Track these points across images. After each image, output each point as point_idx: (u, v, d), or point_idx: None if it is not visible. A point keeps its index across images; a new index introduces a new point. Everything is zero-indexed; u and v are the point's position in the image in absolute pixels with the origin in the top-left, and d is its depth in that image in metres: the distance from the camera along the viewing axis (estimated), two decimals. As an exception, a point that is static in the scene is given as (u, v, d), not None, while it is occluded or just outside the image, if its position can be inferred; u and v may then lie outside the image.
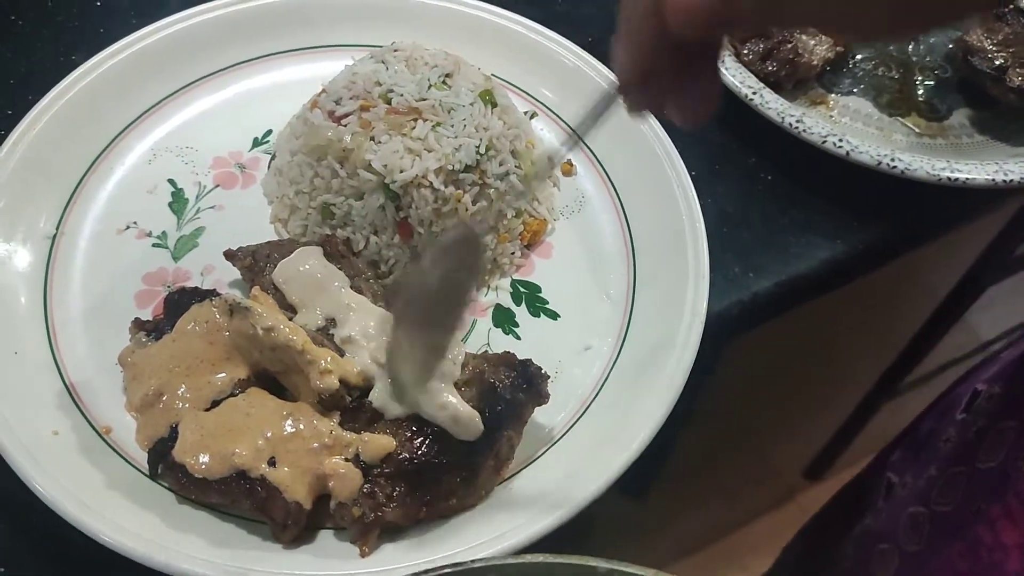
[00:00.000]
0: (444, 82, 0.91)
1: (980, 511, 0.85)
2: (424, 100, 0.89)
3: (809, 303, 1.04)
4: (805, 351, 1.80)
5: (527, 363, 0.79)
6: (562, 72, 1.04)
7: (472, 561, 0.58)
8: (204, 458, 0.75)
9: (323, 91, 0.93)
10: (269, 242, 0.88)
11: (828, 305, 1.39)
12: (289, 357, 0.77)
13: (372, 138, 0.86)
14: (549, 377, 0.80)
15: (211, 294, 0.83)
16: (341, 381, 0.77)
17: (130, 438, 0.80)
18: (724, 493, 2.17)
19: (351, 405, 0.78)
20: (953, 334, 1.98)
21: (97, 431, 0.80)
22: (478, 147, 0.88)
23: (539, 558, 0.58)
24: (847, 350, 2.02)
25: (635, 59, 0.58)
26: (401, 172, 0.85)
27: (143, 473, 0.78)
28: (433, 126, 0.87)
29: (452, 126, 0.88)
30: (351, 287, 0.83)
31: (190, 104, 1.02)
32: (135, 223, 0.93)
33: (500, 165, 0.90)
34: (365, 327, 0.81)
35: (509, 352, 0.81)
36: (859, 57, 1.16)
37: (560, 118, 1.04)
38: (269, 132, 1.01)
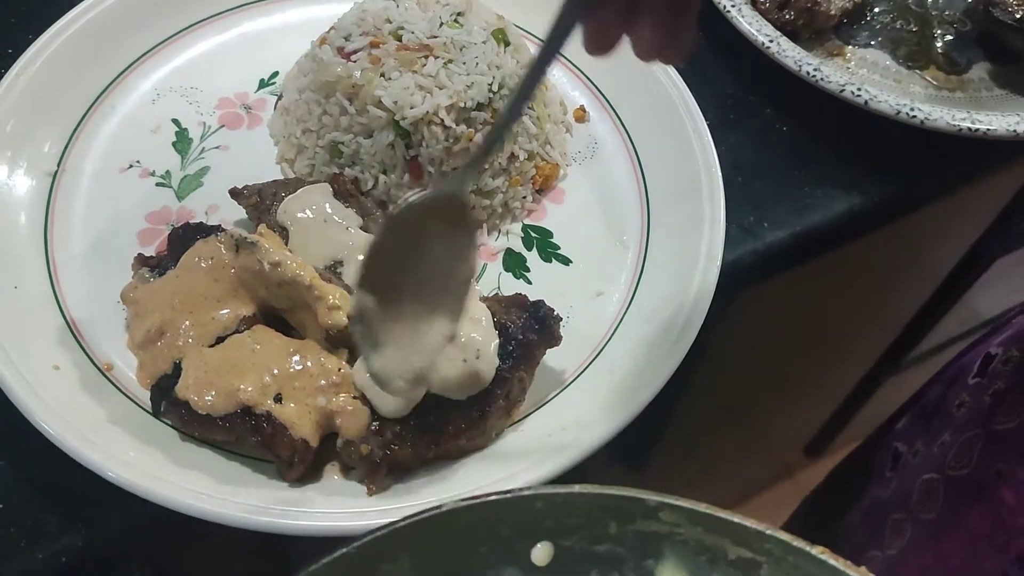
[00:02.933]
0: (456, 20, 0.88)
1: (1001, 473, 0.84)
2: (435, 37, 0.87)
3: (818, 263, 1.02)
4: (804, 328, 1.79)
5: (539, 304, 0.78)
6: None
7: (521, 489, 0.56)
8: (208, 394, 0.73)
9: (332, 28, 0.91)
10: (276, 180, 0.86)
11: (829, 281, 1.37)
12: (296, 293, 0.75)
13: (382, 74, 0.84)
14: (562, 319, 0.78)
15: (216, 230, 0.81)
16: (349, 318, 0.75)
17: (132, 376, 0.78)
18: (721, 468, 2.16)
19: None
20: (952, 312, 1.97)
21: (99, 367, 0.78)
22: (490, 85, 0.86)
23: (588, 488, 0.56)
24: (847, 327, 2.00)
25: None
26: (412, 108, 0.83)
27: (146, 410, 0.76)
28: (444, 63, 0.85)
29: (464, 63, 0.86)
30: (360, 227, 0.82)
31: (195, 44, 0.99)
32: (138, 162, 0.91)
33: (512, 105, 0.88)
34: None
35: (521, 294, 0.79)
36: (877, 9, 1.14)
37: (572, 63, 1.01)
38: (275, 74, 0.98)
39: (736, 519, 0.55)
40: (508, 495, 0.56)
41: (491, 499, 0.56)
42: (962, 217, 1.56)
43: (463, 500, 0.56)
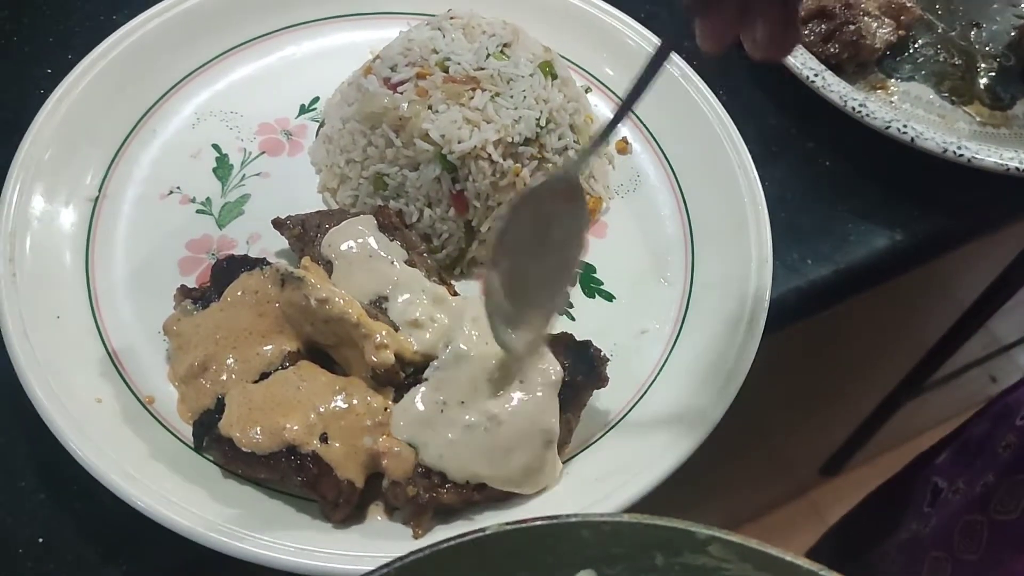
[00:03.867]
0: (502, 51, 0.87)
1: None
2: (482, 69, 0.86)
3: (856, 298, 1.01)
4: (825, 349, 1.78)
5: (587, 344, 0.77)
6: (617, 46, 1.01)
7: (567, 516, 0.55)
8: (253, 431, 0.72)
9: (377, 57, 0.90)
10: (319, 211, 0.85)
11: (853, 305, 1.36)
12: (343, 330, 0.75)
13: (430, 107, 0.83)
14: (608, 360, 0.77)
15: (261, 263, 0.80)
16: (396, 356, 0.74)
17: (173, 409, 0.77)
18: (736, 486, 2.15)
19: (405, 382, 0.75)
20: (973, 338, 1.95)
21: (140, 400, 0.77)
22: (538, 119, 0.85)
23: (637, 518, 0.55)
24: (869, 349, 1.99)
25: None
26: (459, 143, 0.82)
27: (187, 445, 0.75)
28: (492, 96, 0.84)
29: (511, 97, 0.85)
30: (405, 261, 0.81)
31: (235, 69, 0.99)
32: (178, 188, 0.90)
33: (559, 139, 0.87)
34: (419, 302, 0.78)
35: (567, 333, 0.78)
36: (920, 42, 1.13)
37: (614, 92, 1.00)
38: (316, 99, 0.97)
39: (788, 557, 0.54)
40: (553, 521, 0.55)
41: (536, 524, 0.55)
42: (990, 246, 1.55)
43: (507, 524, 0.54)
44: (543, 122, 0.85)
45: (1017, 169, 0.94)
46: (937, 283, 1.76)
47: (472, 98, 0.84)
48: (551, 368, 0.75)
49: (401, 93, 0.85)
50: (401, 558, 0.51)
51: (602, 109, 0.99)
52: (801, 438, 2.24)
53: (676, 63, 0.98)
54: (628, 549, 0.55)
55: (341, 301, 0.74)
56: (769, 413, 2.02)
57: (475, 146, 0.82)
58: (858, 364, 1.98)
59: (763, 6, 0.61)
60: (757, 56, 0.63)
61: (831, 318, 1.35)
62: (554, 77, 0.88)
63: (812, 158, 1.02)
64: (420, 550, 0.52)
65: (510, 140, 0.84)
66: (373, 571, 0.51)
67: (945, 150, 0.95)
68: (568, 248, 0.73)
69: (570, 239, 0.73)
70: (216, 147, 0.93)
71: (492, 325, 0.71)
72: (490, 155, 0.83)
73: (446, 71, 0.86)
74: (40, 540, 0.73)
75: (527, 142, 0.85)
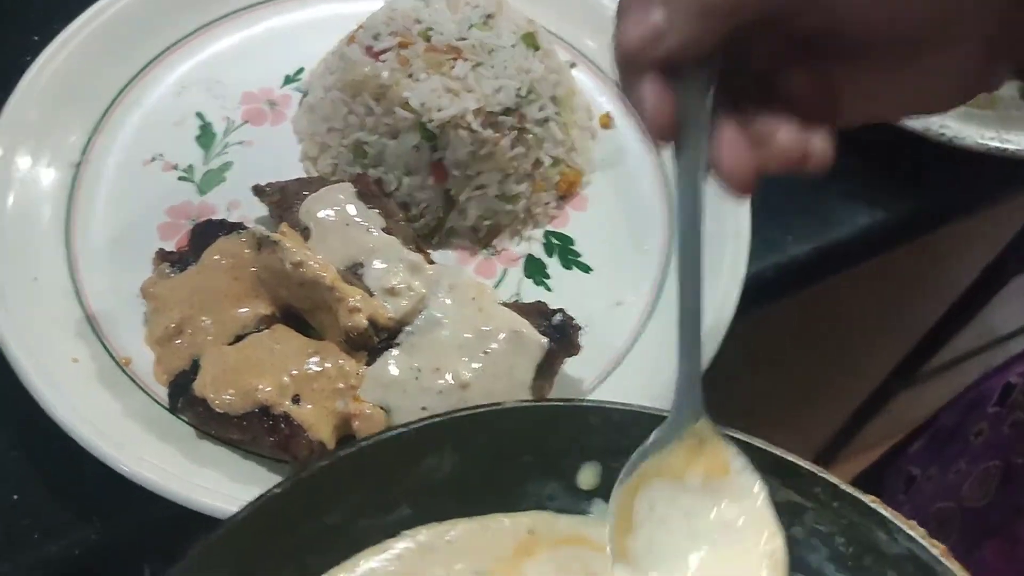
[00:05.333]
0: (486, 23, 0.88)
1: (1021, 508, 0.83)
2: (464, 40, 0.86)
3: (832, 281, 1.01)
4: (813, 338, 1.78)
5: (559, 312, 0.77)
6: (601, 20, 1.01)
7: (580, 399, 0.55)
8: (226, 393, 0.73)
9: (360, 27, 0.90)
10: (299, 179, 0.85)
11: (841, 292, 1.36)
12: (317, 294, 0.75)
13: (410, 75, 0.84)
14: (581, 328, 0.77)
15: (238, 227, 0.80)
16: (370, 320, 0.74)
17: (149, 370, 0.78)
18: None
19: (379, 346, 0.75)
20: (966, 329, 1.95)
21: (117, 362, 0.78)
22: (519, 90, 0.85)
23: (648, 409, 0.55)
24: (859, 339, 1.99)
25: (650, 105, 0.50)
26: (439, 111, 0.83)
27: (163, 407, 0.76)
28: (473, 66, 0.85)
29: (492, 67, 0.85)
30: (383, 229, 0.81)
31: (221, 38, 0.99)
32: (161, 155, 0.91)
33: (540, 110, 0.87)
34: (396, 270, 0.78)
35: (541, 301, 0.79)
36: (908, 23, 1.12)
37: (598, 67, 1.00)
38: (301, 70, 0.98)
39: (790, 457, 0.54)
40: (565, 403, 0.55)
41: (548, 404, 0.55)
42: (982, 234, 1.55)
43: (523, 401, 0.55)
44: (524, 92, 0.85)
45: (997, 148, 0.94)
46: (929, 272, 1.76)
47: (453, 67, 0.84)
48: (531, 338, 0.75)
49: (383, 62, 0.85)
50: (419, 420, 0.52)
51: (585, 83, 0.99)
52: (792, 428, 2.24)
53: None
54: (635, 441, 0.55)
55: (316, 265, 0.75)
56: (756, 406, 2.02)
57: (455, 115, 0.82)
58: (848, 353, 1.98)
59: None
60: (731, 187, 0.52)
61: (819, 306, 1.35)
62: (536, 48, 0.89)
63: (795, 136, 1.02)
64: (431, 417, 0.52)
65: (490, 110, 0.84)
66: (391, 428, 0.51)
67: (928, 128, 0.95)
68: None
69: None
70: (200, 115, 0.94)
71: None
72: (470, 124, 0.83)
73: (428, 40, 0.86)
74: (15, 497, 0.74)
75: (507, 112, 0.85)
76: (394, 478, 0.54)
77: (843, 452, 2.22)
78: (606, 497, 0.56)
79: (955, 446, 1.00)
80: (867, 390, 2.10)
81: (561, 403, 0.55)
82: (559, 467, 0.56)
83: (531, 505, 0.57)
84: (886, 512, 0.52)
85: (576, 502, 0.59)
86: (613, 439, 0.55)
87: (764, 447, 0.54)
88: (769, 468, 0.54)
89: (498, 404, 0.54)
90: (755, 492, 0.54)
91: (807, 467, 0.53)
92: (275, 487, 0.52)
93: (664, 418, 0.55)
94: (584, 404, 0.55)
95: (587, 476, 0.57)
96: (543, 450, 0.55)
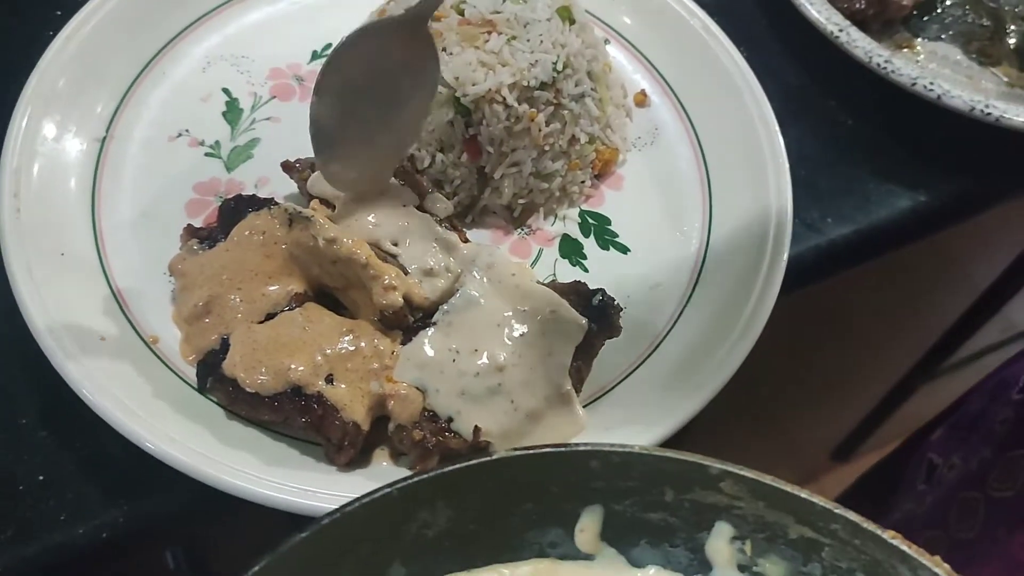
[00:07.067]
0: (520, -4, 0.85)
1: None
2: (498, 13, 0.84)
3: (857, 272, 0.99)
4: (836, 330, 1.75)
5: (600, 292, 0.75)
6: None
7: (577, 444, 0.53)
8: (257, 372, 0.71)
9: (391, 0, 0.88)
10: (330, 155, 0.83)
11: (866, 284, 1.33)
12: (351, 271, 0.73)
13: (444, 49, 0.81)
14: (622, 309, 0.75)
15: (269, 203, 0.78)
16: (405, 299, 0.72)
17: (177, 349, 0.76)
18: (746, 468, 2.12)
19: (414, 325, 0.73)
20: (989, 323, 1.92)
21: (144, 340, 0.76)
22: (555, 64, 0.83)
23: (648, 450, 0.53)
24: (883, 331, 1.96)
25: None
26: (473, 85, 0.80)
27: (191, 386, 0.74)
28: (508, 39, 0.82)
29: (528, 40, 0.83)
30: (416, 206, 0.79)
31: (248, 13, 0.97)
32: (187, 131, 0.89)
33: (576, 86, 0.85)
34: (430, 248, 0.76)
35: (580, 281, 0.76)
36: (948, 2, 1.10)
37: (633, 45, 0.98)
38: (328, 45, 0.96)
39: (804, 495, 0.52)
40: (563, 449, 0.54)
41: (544, 451, 0.53)
42: (1008, 227, 1.52)
43: (516, 450, 0.53)
44: (560, 67, 0.83)
45: (1047, 128, 0.91)
46: (953, 265, 1.73)
47: (487, 41, 0.82)
48: (571, 319, 0.73)
49: (415, 35, 0.83)
50: (405, 479, 0.50)
51: (620, 60, 0.97)
52: (812, 421, 2.22)
53: (697, 15, 0.95)
54: (637, 483, 0.53)
55: (350, 242, 0.73)
56: (779, 395, 1.99)
57: (489, 89, 0.80)
58: (871, 345, 1.95)
59: None
60: None
61: (845, 297, 1.33)
62: (572, 22, 0.86)
63: (834, 116, 1.00)
64: (422, 472, 0.51)
65: (525, 84, 0.82)
66: (376, 490, 0.50)
67: (972, 108, 0.93)
68: (415, 98, 0.74)
69: (418, 90, 0.74)
70: (226, 91, 0.92)
71: (314, 148, 0.75)
72: (504, 99, 0.81)
73: (462, 14, 0.84)
74: (41, 478, 0.72)
75: (543, 86, 0.82)
76: (384, 539, 0.52)
77: (867, 442, 2.20)
78: (610, 541, 0.55)
79: (979, 433, 0.97)
80: (890, 383, 2.08)
81: (559, 450, 0.53)
82: (561, 512, 0.55)
83: (533, 554, 0.56)
84: (907, 548, 0.50)
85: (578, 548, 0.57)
86: (613, 480, 0.54)
87: (775, 484, 0.52)
88: (781, 505, 0.52)
89: (491, 455, 0.52)
90: None
91: (822, 504, 0.51)
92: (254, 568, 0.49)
93: (659, 459, 0.54)
94: (581, 449, 0.53)
95: (589, 521, 0.55)
96: (544, 497, 0.54)
